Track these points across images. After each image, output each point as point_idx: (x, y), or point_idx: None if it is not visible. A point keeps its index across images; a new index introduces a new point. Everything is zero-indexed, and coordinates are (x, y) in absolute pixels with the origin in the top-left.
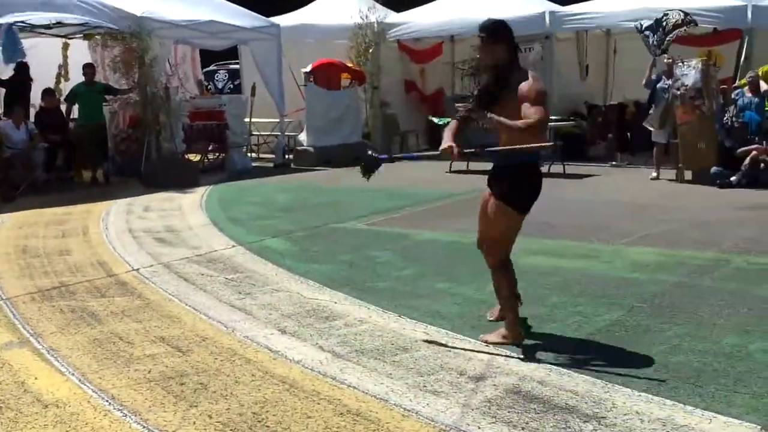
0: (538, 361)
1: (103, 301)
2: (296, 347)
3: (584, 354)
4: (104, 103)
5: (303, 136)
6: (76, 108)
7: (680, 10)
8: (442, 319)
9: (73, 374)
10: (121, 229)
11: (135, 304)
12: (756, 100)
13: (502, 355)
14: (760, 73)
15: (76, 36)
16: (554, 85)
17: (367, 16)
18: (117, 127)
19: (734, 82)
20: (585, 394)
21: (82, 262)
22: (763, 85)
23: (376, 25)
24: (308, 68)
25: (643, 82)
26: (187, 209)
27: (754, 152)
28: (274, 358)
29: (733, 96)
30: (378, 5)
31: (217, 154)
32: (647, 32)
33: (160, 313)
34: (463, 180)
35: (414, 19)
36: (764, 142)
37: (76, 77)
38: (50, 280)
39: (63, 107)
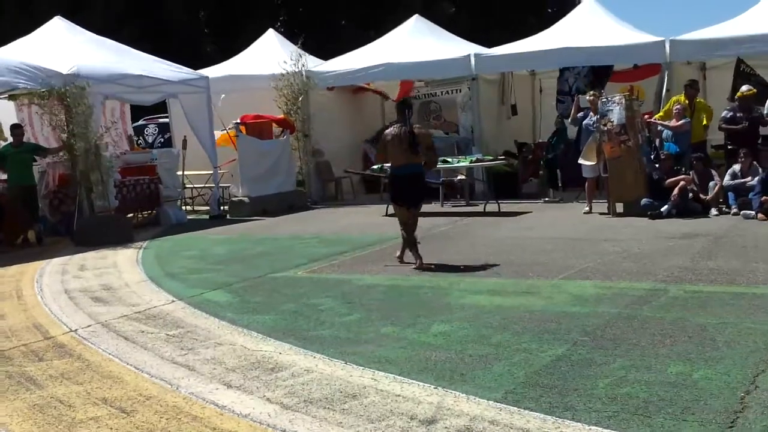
0: (488, 400)
1: (41, 365)
2: (243, 401)
3: (533, 390)
4: (34, 163)
5: (237, 187)
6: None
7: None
8: (388, 364)
9: None
10: (56, 290)
11: (75, 366)
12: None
13: (451, 396)
14: (669, 106)
15: (1, 97)
16: (483, 125)
17: (294, 65)
18: (47, 186)
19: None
20: (536, 431)
21: (17, 326)
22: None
23: (303, 73)
24: (237, 120)
25: (569, 120)
26: (123, 266)
27: (681, 182)
28: (222, 413)
29: (659, 128)
30: (304, 53)
31: (150, 209)
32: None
33: (101, 374)
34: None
35: (342, 66)
36: (690, 172)
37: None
38: None
39: None
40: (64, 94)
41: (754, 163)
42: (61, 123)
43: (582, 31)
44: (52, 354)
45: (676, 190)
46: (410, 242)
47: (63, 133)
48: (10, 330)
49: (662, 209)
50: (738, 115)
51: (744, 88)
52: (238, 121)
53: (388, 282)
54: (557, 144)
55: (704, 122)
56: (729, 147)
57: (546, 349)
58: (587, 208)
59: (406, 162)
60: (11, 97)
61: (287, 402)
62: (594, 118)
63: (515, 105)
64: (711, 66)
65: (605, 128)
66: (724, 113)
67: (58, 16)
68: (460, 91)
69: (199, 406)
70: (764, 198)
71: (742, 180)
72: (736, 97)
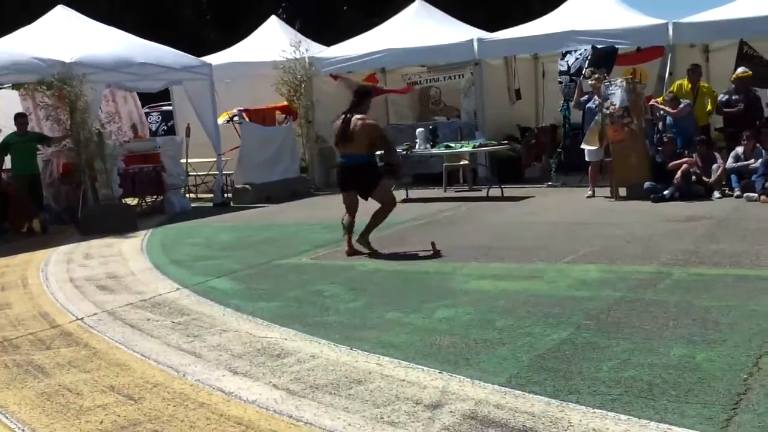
0: (493, 384)
1: (48, 354)
2: (250, 387)
3: (537, 374)
4: (38, 152)
5: (241, 174)
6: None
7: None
8: (393, 349)
9: (23, 430)
10: (61, 279)
11: (81, 354)
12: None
13: (456, 381)
14: (674, 89)
15: (5, 86)
16: (486, 110)
17: (296, 52)
18: (50, 175)
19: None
20: (541, 415)
21: (24, 315)
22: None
23: (306, 60)
24: (237, 109)
25: (572, 103)
26: (128, 254)
27: (684, 165)
28: (228, 399)
29: (661, 112)
30: (307, 40)
31: (154, 197)
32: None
33: (108, 361)
34: (404, 209)
35: (344, 53)
36: (693, 155)
37: (6, 126)
38: None
39: None
40: (65, 83)
41: (757, 145)
42: (61, 113)
43: (585, 14)
44: (59, 342)
45: (679, 173)
46: (348, 228)
47: (62, 123)
48: (17, 319)
49: (665, 192)
50: (734, 97)
51: (739, 69)
52: (241, 108)
53: (392, 268)
54: (569, 129)
55: (708, 107)
56: (728, 130)
57: (550, 333)
58: (590, 192)
59: (342, 152)
60: (15, 87)
61: (293, 388)
62: (597, 102)
63: (519, 89)
64: (714, 48)
65: (608, 111)
66: (720, 97)
67: (61, 5)
68: (463, 77)
69: (206, 392)
70: None
71: (745, 162)
72: (731, 78)
